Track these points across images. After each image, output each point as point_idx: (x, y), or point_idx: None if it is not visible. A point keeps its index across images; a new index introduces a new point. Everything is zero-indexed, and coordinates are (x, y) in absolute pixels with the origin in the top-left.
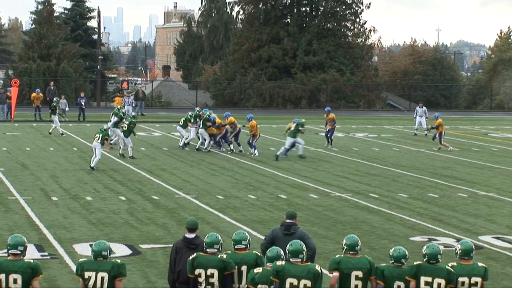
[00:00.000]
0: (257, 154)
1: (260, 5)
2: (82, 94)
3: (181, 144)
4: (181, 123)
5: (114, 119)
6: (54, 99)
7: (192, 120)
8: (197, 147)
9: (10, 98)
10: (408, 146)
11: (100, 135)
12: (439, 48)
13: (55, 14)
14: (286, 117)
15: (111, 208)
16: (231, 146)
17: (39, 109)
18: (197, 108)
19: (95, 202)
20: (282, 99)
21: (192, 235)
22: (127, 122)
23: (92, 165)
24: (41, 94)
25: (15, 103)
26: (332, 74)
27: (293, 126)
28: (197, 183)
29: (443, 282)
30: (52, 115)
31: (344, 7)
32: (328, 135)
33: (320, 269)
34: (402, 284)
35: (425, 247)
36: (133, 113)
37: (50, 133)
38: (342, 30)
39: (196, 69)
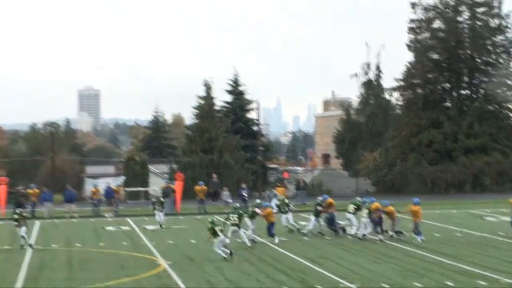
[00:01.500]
0: (423, 238)
1: (419, 91)
2: (243, 185)
3: (352, 232)
4: (351, 210)
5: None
6: (153, 198)
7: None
8: (356, 233)
9: (175, 191)
10: None
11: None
12: None
13: (216, 108)
14: (449, 202)
15: None
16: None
17: (203, 201)
18: (358, 198)
19: None
20: (445, 184)
21: None
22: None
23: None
24: (204, 187)
25: (180, 197)
26: (495, 156)
27: None
28: (361, 271)
29: None
30: (154, 210)
31: (505, 89)
32: None
33: None
34: None
35: None
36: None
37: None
38: (504, 112)
39: (355, 156)
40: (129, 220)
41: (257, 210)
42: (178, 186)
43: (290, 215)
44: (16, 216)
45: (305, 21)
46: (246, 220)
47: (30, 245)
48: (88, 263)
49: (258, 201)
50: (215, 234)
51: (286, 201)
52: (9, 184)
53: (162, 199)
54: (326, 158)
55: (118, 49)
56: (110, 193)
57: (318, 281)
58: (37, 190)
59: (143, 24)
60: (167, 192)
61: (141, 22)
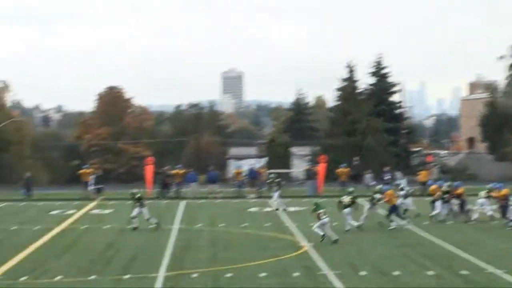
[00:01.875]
0: None
1: None
2: (386, 169)
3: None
4: (483, 196)
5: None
6: (270, 175)
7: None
8: None
9: (318, 173)
10: None
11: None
12: None
13: (359, 90)
14: None
15: (418, 283)
16: None
17: (345, 184)
18: (490, 185)
19: (402, 277)
20: None
21: None
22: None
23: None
24: (346, 169)
25: (323, 179)
26: None
27: None
28: (507, 256)
29: None
30: (273, 192)
31: None
32: None
33: None
34: None
35: None
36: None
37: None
38: None
39: (502, 140)
40: (271, 201)
41: (376, 195)
42: (321, 168)
43: (407, 200)
44: (131, 196)
45: (450, 3)
46: (364, 203)
47: (134, 228)
48: (231, 243)
49: (378, 187)
50: (318, 216)
51: (402, 185)
52: (155, 165)
53: (278, 179)
54: (471, 141)
55: (255, 31)
56: (254, 174)
57: (463, 266)
58: (182, 171)
59: (279, 6)
60: (310, 174)
61: (275, 4)
